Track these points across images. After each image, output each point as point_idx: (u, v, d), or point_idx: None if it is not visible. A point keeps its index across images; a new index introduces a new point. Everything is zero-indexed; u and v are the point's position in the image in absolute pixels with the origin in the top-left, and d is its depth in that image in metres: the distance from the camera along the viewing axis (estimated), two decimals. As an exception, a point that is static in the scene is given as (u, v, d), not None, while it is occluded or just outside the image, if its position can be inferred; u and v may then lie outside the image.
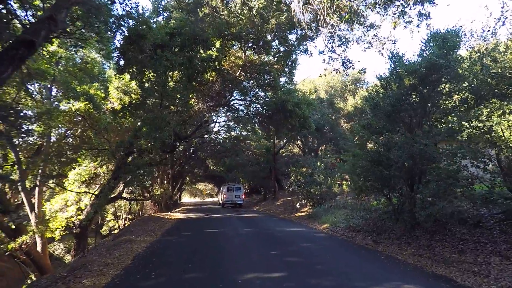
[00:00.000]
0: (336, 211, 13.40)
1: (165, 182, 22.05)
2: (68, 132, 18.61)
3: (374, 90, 9.82)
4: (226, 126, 22.09)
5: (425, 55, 8.09)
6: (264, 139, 22.59)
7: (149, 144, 11.00)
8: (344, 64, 8.41)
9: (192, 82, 12.22)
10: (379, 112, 8.77)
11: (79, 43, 9.11)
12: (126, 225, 15.32)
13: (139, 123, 14.18)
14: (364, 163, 9.11)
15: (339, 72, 8.55)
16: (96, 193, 15.01)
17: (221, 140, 24.12)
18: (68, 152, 17.07)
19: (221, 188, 30.44)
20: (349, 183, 14.87)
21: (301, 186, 15.83)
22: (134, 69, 8.81)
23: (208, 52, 12.33)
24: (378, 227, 9.49)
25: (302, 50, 11.64)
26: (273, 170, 25.79)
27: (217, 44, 11.74)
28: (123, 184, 13.22)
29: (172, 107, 13.14)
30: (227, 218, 15.32)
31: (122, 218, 17.76)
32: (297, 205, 17.05)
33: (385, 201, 10.29)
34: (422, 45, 8.35)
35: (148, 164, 12.29)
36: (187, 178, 42.06)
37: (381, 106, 8.81)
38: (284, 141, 25.98)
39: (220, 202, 28.32)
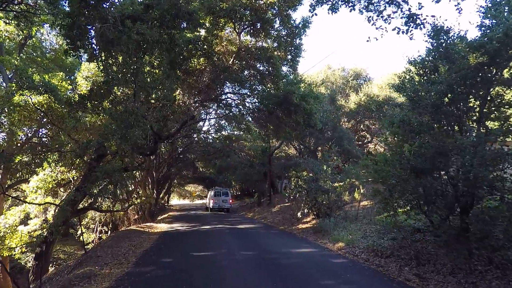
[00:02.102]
0: (348, 225, 11.32)
1: (149, 187, 19.60)
2: (40, 131, 16.06)
3: (405, 77, 7.74)
4: (216, 124, 19.78)
5: (489, 25, 6.02)
6: (259, 139, 20.44)
7: (120, 146, 8.61)
8: (411, 20, 6.03)
9: (175, 69, 9.91)
10: (421, 105, 6.67)
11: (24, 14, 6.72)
12: (97, 242, 12.85)
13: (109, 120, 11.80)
14: (398, 171, 7.02)
15: (402, 33, 6.25)
16: (61, 204, 12.58)
17: (211, 140, 21.75)
18: (31, 155, 14.50)
19: (209, 193, 29.94)
20: (362, 191, 12.84)
21: (304, 194, 13.69)
22: (88, 46, 6.47)
23: (195, 33, 10.08)
24: (415, 252, 7.42)
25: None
26: (268, 173, 23.67)
27: (206, 23, 9.46)
28: (90, 196, 10.78)
29: (151, 100, 10.80)
30: (218, 232, 13.05)
31: (96, 231, 15.25)
32: (299, 214, 14.94)
33: (422, 218, 8.29)
34: (481, 13, 6.30)
35: (122, 170, 9.90)
36: (175, 181, 39.54)
37: (422, 96, 6.73)
38: (280, 141, 23.87)
39: (208, 206, 28.03)
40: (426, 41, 7.26)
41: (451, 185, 6.21)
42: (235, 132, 20.83)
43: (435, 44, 6.90)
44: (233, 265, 7.36)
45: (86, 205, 13.06)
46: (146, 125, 8.28)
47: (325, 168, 13.29)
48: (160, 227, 15.49)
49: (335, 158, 15.00)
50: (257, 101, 11.96)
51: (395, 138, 7.41)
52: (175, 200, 73.18)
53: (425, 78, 7.12)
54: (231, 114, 14.39)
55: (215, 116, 17.75)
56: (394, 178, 7.16)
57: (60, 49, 18.89)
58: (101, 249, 9.65)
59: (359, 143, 24.46)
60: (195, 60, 10.79)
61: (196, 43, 9.54)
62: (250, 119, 15.00)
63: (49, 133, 13.96)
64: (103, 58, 7.08)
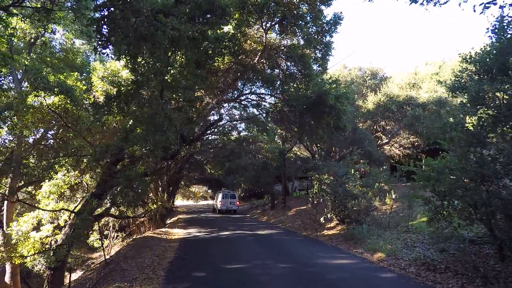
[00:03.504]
0: (382, 233, 10.67)
1: (160, 190, 19.00)
2: (47, 133, 15.50)
3: (462, 76, 7.07)
4: (233, 125, 19.11)
5: None
6: (275, 140, 19.86)
7: (144, 150, 8.00)
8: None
9: (202, 68, 9.29)
10: (491, 106, 6.00)
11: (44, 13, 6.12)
12: (111, 250, 12.24)
13: (130, 122, 11.18)
14: (457, 177, 6.38)
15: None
16: (76, 209, 12.00)
17: (224, 142, 21.08)
18: (43, 158, 13.91)
19: (217, 195, 31.05)
20: (393, 196, 12.17)
21: (330, 198, 13.04)
22: (123, 41, 5.84)
23: (222, 30, 9.46)
24: (474, 267, 6.76)
25: None
26: (283, 175, 23.03)
27: (235, 18, 8.84)
28: (110, 202, 10.17)
29: (172, 101, 10.19)
30: (241, 239, 12.43)
31: (110, 237, 14.64)
32: (321, 219, 14.26)
33: (473, 229, 7.65)
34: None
35: (143, 175, 9.29)
36: (182, 182, 38.95)
37: (490, 97, 6.08)
38: (293, 143, 23.24)
39: (216, 208, 29.28)
40: (490, 36, 6.63)
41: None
42: (252, 133, 20.18)
43: (503, 39, 6.25)
44: (275, 282, 6.72)
45: (102, 210, 12.47)
46: (175, 128, 7.65)
47: (352, 172, 12.64)
48: (176, 233, 14.87)
49: (361, 161, 14.34)
50: (282, 102, 11.30)
51: (458, 144, 6.71)
52: (178, 201, 72.52)
53: (489, 76, 6.45)
54: (252, 115, 13.73)
55: (237, 118, 17.06)
56: (454, 185, 6.53)
57: (72, 48, 18.37)
58: (124, 260, 9.04)
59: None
60: (219, 58, 10.16)
61: (224, 40, 8.92)
62: (270, 120, 14.36)
63: (61, 136, 13.35)
64: (133, 55, 6.45)
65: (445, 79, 39.92)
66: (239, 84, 12.69)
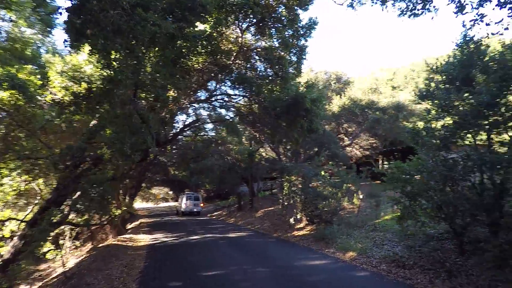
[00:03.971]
0: (352, 232, 11.12)
1: (122, 194, 17.90)
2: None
3: (430, 85, 7.60)
4: (202, 127, 18.61)
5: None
6: (245, 141, 19.76)
7: (119, 153, 7.41)
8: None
9: (176, 68, 8.90)
10: (458, 115, 6.49)
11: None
12: (77, 261, 11.18)
13: (93, 122, 10.31)
14: (430, 179, 6.83)
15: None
16: (27, 218, 10.86)
17: (194, 143, 20.49)
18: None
19: (180, 197, 30.97)
20: (361, 196, 12.76)
21: (301, 200, 13.29)
22: (100, 35, 5.28)
23: (198, 28, 9.16)
24: (438, 261, 7.29)
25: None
26: (250, 177, 23.05)
27: (214, 17, 8.61)
28: (73, 209, 9.30)
29: (143, 101, 9.64)
30: (213, 243, 12.14)
31: (65, 247, 13.39)
32: (291, 220, 14.50)
33: (435, 225, 8.25)
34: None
35: (111, 179, 8.63)
36: (143, 185, 37.16)
37: (456, 106, 6.58)
38: (262, 144, 23.35)
39: (179, 210, 29.34)
40: (455, 49, 7.20)
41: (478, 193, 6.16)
42: (220, 135, 19.86)
43: (467, 54, 6.82)
44: (253, 286, 6.64)
45: (59, 217, 11.35)
46: (149, 129, 7.20)
47: (323, 173, 13.02)
48: (142, 239, 14.09)
49: (330, 162, 14.83)
50: (257, 104, 11.24)
51: (429, 148, 7.17)
52: (137, 204, 68.96)
53: (455, 86, 6.99)
54: (221, 116, 13.50)
55: (205, 119, 16.61)
56: (422, 187, 7.00)
57: (21, 38, 16.49)
58: (89, 273, 8.30)
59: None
60: (194, 57, 9.81)
61: (201, 39, 8.64)
62: (241, 122, 14.25)
63: (11, 136, 11.87)
64: (108, 51, 5.91)
65: (399, 84, 42.64)
66: (211, 84, 12.39)
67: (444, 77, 7.49)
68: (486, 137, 6.87)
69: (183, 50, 9.03)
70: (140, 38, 5.78)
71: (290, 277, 7.20)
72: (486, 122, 6.40)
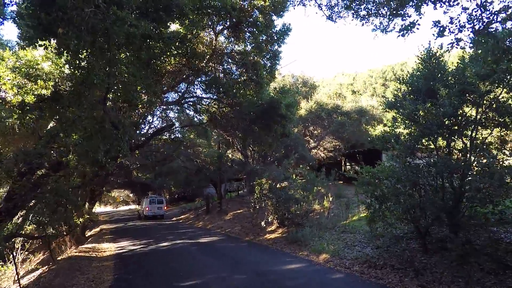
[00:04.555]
0: (323, 234, 11.48)
1: (84, 200, 16.68)
2: None
3: (398, 95, 8.11)
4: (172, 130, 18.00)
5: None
6: (213, 143, 19.48)
7: (84, 159, 6.88)
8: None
9: (151, 69, 8.55)
10: (424, 125, 6.99)
11: None
12: (35, 278, 10.13)
13: (51, 124, 9.48)
14: (399, 184, 7.28)
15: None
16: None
17: (160, 146, 19.73)
18: None
19: (143, 201, 30.63)
20: (330, 198, 13.22)
21: (272, 203, 13.42)
22: (74, 35, 4.81)
23: (172, 29, 8.89)
24: (406, 261, 7.80)
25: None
26: (219, 179, 22.81)
27: (190, 18, 8.37)
28: (39, 225, 8.46)
29: (115, 104, 9.09)
30: (185, 250, 11.81)
31: (17, 261, 12.10)
32: (262, 223, 14.59)
33: (401, 226, 8.82)
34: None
35: (76, 187, 8.01)
36: (103, 188, 35.01)
37: (422, 116, 7.09)
38: (231, 146, 23.22)
39: (142, 214, 29.06)
40: (417, 62, 7.76)
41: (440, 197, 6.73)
42: (188, 137, 19.36)
43: (429, 68, 7.38)
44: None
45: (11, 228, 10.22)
46: (122, 135, 6.77)
47: (294, 177, 13.28)
48: (106, 248, 13.26)
49: (300, 166, 15.17)
50: (229, 107, 11.14)
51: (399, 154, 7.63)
52: (95, 208, 64.77)
53: (420, 97, 7.52)
54: (191, 118, 13.20)
55: (173, 121, 16.05)
56: (392, 191, 7.45)
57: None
58: (51, 290, 7.62)
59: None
60: (168, 59, 9.47)
61: (176, 40, 8.37)
62: (213, 125, 14.03)
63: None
64: (77, 51, 5.44)
65: (358, 89, 44.72)
66: (182, 86, 12.04)
67: (410, 88, 8.03)
68: (446, 144, 7.54)
69: (157, 52, 8.70)
70: (115, 39, 5.42)
71: (270, 283, 7.23)
72: (448, 130, 7.01)
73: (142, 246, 13.15)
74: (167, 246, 12.67)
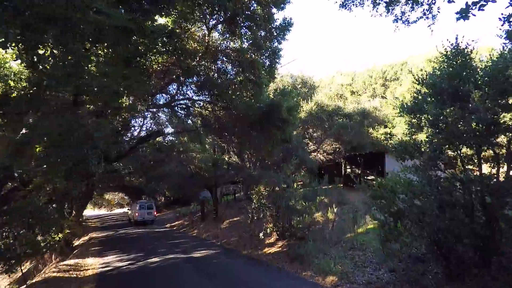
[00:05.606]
0: (328, 250, 10.44)
1: (67, 208, 15.53)
2: None
3: (418, 97, 7.07)
4: (162, 132, 16.84)
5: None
6: (208, 146, 18.40)
7: (48, 174, 5.78)
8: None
9: (130, 68, 7.42)
10: (455, 135, 5.94)
11: None
12: None
13: (22, 131, 8.35)
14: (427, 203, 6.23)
15: None
16: None
17: (152, 151, 18.58)
18: None
19: (133, 206, 30.44)
20: (335, 209, 12.18)
21: (271, 213, 12.37)
22: (14, 22, 3.75)
23: (159, 23, 7.79)
24: (425, 285, 6.77)
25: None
26: (214, 185, 21.71)
27: (178, 10, 7.29)
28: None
29: (89, 107, 7.97)
30: (177, 267, 10.69)
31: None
32: (261, 235, 13.51)
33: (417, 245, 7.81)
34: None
35: (47, 202, 6.89)
36: (95, 192, 33.76)
37: (451, 124, 6.05)
38: (227, 150, 22.15)
39: (132, 219, 29.17)
40: (444, 61, 6.73)
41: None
42: (180, 141, 18.24)
43: (455, 66, 6.35)
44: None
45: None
46: (97, 145, 5.68)
47: (295, 186, 12.22)
48: (90, 265, 12.10)
49: (302, 172, 14.12)
50: (225, 111, 10.08)
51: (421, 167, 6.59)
52: (89, 211, 62.97)
53: (445, 100, 6.49)
54: (184, 121, 12.10)
55: (166, 123, 14.93)
56: (418, 210, 6.42)
57: None
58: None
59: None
60: (154, 57, 8.38)
61: (162, 35, 7.27)
62: (208, 130, 12.94)
63: None
64: (32, 45, 4.35)
65: (358, 89, 43.79)
66: (172, 87, 10.94)
67: (431, 90, 6.99)
68: (475, 154, 6.52)
69: (140, 48, 7.59)
70: (80, 30, 4.32)
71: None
72: (479, 139, 5.99)
73: (130, 262, 12.01)
74: (157, 263, 11.55)
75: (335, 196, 15.61)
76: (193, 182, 23.25)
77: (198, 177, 21.02)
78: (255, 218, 13.09)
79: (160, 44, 7.81)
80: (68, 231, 11.71)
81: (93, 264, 11.97)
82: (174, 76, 9.99)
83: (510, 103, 5.50)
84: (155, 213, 29.80)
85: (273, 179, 13.80)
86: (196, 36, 9.73)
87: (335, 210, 11.75)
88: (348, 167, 30.70)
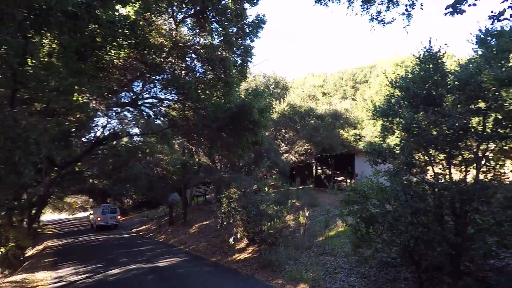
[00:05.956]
0: (299, 256, 10.16)
1: (16, 219, 14.03)
2: None
3: (391, 101, 6.95)
4: (126, 131, 15.73)
5: None
6: (177, 147, 17.57)
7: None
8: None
9: (85, 62, 6.66)
10: (427, 140, 5.83)
11: None
12: None
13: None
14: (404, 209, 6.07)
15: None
16: None
17: (116, 152, 17.33)
18: None
19: (95, 210, 29.26)
20: (307, 213, 11.96)
21: (242, 218, 11.92)
22: None
23: (120, 13, 7.06)
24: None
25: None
26: (183, 188, 20.85)
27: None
28: None
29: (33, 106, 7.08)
30: (138, 279, 9.88)
31: None
32: (231, 240, 13.02)
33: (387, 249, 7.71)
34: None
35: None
36: (52, 196, 31.30)
37: (424, 129, 5.94)
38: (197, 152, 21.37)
39: (94, 224, 27.77)
40: (418, 64, 6.65)
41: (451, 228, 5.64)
42: (147, 142, 17.23)
43: (431, 71, 6.29)
44: None
45: None
46: (31, 150, 4.86)
47: (266, 190, 11.87)
48: (40, 280, 10.86)
49: (273, 176, 13.80)
50: (193, 112, 9.45)
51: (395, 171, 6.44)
52: (48, 216, 58.42)
53: (418, 105, 6.41)
54: (151, 122, 11.29)
55: (132, 124, 13.90)
56: (382, 214, 6.28)
57: None
58: None
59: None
60: (112, 50, 7.59)
61: (123, 26, 6.57)
62: (175, 131, 12.20)
63: None
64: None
65: (329, 91, 44.55)
66: (138, 85, 10.14)
67: (403, 93, 6.90)
68: (445, 159, 6.50)
69: (98, 40, 6.80)
70: (10, 13, 3.59)
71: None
72: (451, 144, 5.94)
73: (87, 275, 10.97)
74: (118, 275, 10.64)
75: (307, 198, 15.47)
76: (162, 185, 22.22)
77: (166, 179, 20.04)
78: (225, 223, 12.54)
79: (120, 37, 7.07)
80: (13, 244, 10.41)
81: (43, 280, 10.78)
82: (138, 73, 9.21)
83: (480, 107, 5.49)
84: (119, 217, 28.55)
85: (244, 182, 13.37)
86: (162, 30, 9.02)
87: (307, 213, 11.52)
88: (319, 168, 31.08)
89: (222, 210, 13.33)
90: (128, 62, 8.47)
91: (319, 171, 31.55)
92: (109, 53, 7.55)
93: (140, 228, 26.11)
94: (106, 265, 12.26)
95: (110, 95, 9.06)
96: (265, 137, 10.60)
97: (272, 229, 10.62)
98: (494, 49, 5.23)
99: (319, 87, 42.57)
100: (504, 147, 5.89)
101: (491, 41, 5.91)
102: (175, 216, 22.99)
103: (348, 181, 26.35)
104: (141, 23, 7.12)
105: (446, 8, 3.32)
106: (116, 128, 12.81)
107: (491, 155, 6.05)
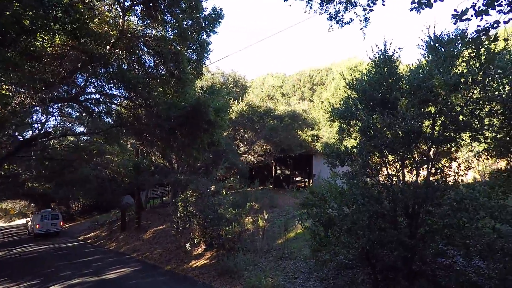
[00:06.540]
0: (258, 260, 9.87)
1: None
2: None
3: (349, 102, 6.91)
4: (69, 129, 14.12)
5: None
6: (129, 147, 16.32)
7: None
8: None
9: (10, 46, 5.70)
10: (382, 142, 5.83)
11: None
12: None
13: None
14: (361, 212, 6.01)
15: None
16: None
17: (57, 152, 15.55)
18: None
19: (34, 216, 27.06)
20: (266, 216, 11.72)
21: (198, 222, 11.33)
22: None
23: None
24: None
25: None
26: (136, 190, 19.51)
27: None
28: None
29: None
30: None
31: None
32: (187, 246, 12.35)
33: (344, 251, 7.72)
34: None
35: None
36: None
37: (378, 131, 5.94)
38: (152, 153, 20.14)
39: (32, 232, 25.65)
40: (374, 67, 6.68)
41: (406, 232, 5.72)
42: (94, 142, 15.72)
43: (385, 74, 6.33)
44: None
45: None
46: None
47: (224, 193, 11.42)
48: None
49: (231, 178, 13.36)
50: (144, 110, 8.63)
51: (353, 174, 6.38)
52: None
53: (373, 107, 6.42)
54: (98, 120, 10.23)
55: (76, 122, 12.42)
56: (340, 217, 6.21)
57: None
58: None
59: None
60: (45, 36, 6.59)
61: (56, 8, 5.69)
62: (125, 131, 11.19)
63: None
64: None
65: (287, 92, 45.25)
66: (81, 80, 9.06)
67: (360, 96, 6.91)
68: (398, 161, 6.61)
69: (25, 23, 5.81)
70: None
71: None
72: (404, 146, 6.04)
73: (17, 293, 9.59)
74: (56, 291, 9.45)
75: (266, 200, 15.31)
76: (113, 188, 20.60)
77: (118, 181, 18.59)
78: (181, 227, 11.85)
79: (54, 21, 6.14)
80: None
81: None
82: (79, 64, 8.17)
83: (430, 111, 5.62)
84: (62, 223, 26.31)
85: (201, 184, 12.76)
86: (107, 18, 8.08)
87: (266, 216, 11.29)
88: (278, 168, 31.33)
89: (178, 215, 12.61)
90: (65, 51, 7.43)
91: (278, 171, 31.80)
92: (40, 40, 6.53)
93: (89, 235, 24.01)
94: (43, 281, 10.86)
95: (44, 88, 7.91)
96: (222, 138, 10.13)
97: (231, 233, 10.21)
98: (441, 56, 5.37)
99: (278, 88, 43.04)
100: (450, 150, 6.14)
101: (440, 48, 6.12)
102: (128, 221, 21.48)
103: (306, 181, 26.93)
104: (79, 6, 6.23)
105: (411, 3, 3.19)
106: (48, 128, 11.36)
107: (440, 157, 6.26)
